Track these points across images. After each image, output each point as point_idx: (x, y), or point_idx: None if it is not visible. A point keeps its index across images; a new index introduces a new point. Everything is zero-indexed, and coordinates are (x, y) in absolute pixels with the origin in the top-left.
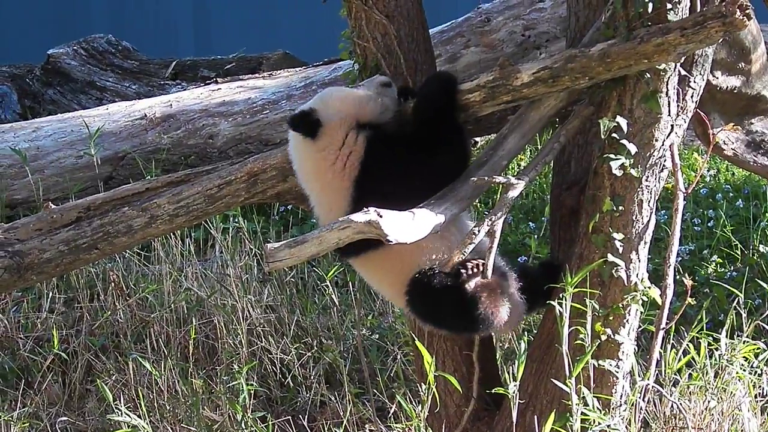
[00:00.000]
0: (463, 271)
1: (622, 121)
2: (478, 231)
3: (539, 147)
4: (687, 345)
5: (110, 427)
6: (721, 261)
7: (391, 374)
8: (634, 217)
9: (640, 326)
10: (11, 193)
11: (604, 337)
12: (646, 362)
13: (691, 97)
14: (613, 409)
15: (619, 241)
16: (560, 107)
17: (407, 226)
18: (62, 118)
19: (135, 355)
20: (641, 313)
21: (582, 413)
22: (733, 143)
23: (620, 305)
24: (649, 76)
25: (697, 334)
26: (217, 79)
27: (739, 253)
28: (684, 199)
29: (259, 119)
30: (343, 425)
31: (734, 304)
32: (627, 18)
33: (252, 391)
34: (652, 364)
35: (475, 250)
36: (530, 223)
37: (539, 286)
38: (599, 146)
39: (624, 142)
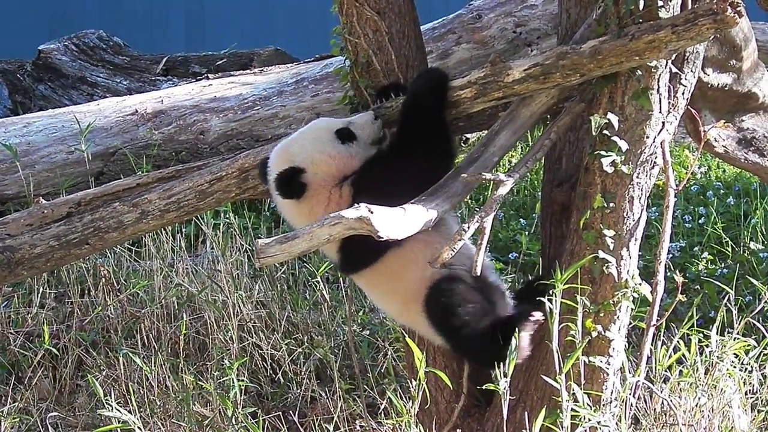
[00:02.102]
0: (530, 321)
1: (613, 118)
2: (468, 228)
3: (530, 144)
4: (677, 342)
5: (101, 423)
6: (711, 258)
7: (382, 370)
8: (624, 214)
9: (630, 323)
10: (2, 188)
11: (594, 334)
12: (637, 359)
13: (682, 94)
14: (603, 405)
15: (609, 237)
16: (551, 104)
17: (398, 221)
18: (53, 113)
19: (125, 350)
20: (632, 309)
21: (572, 410)
22: (724, 140)
23: (611, 302)
24: (640, 73)
25: (687, 331)
26: (209, 75)
27: (729, 250)
28: (675, 196)
29: (251, 115)
30: (334, 421)
31: (725, 301)
32: (618, 15)
33: (242, 387)
34: (642, 360)
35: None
36: (521, 219)
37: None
38: (590, 143)
39: (615, 139)
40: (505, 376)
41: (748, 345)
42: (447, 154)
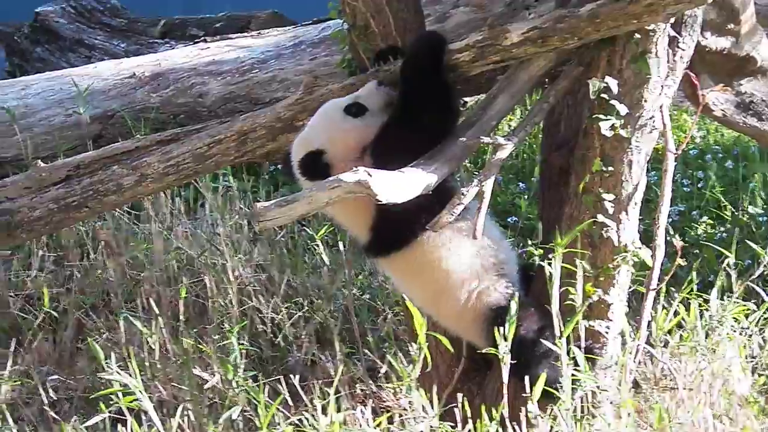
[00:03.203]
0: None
1: (612, 82)
2: (468, 191)
3: (528, 107)
4: (677, 306)
5: (101, 386)
6: (710, 222)
7: (382, 334)
8: (624, 178)
9: (630, 287)
10: (0, 151)
11: (594, 298)
12: (637, 323)
13: (681, 58)
14: (603, 369)
15: (609, 201)
16: (549, 68)
17: (397, 185)
18: (51, 76)
19: (125, 314)
20: (631, 274)
21: (572, 374)
22: (722, 104)
23: (610, 266)
24: (638, 36)
25: (687, 295)
26: (206, 38)
27: (728, 214)
28: (674, 160)
29: (248, 78)
30: (334, 385)
31: (724, 264)
32: None
33: (243, 351)
34: (642, 325)
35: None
36: (520, 183)
37: None
38: (589, 107)
39: (614, 102)
40: (505, 339)
41: (748, 309)
42: (449, 112)
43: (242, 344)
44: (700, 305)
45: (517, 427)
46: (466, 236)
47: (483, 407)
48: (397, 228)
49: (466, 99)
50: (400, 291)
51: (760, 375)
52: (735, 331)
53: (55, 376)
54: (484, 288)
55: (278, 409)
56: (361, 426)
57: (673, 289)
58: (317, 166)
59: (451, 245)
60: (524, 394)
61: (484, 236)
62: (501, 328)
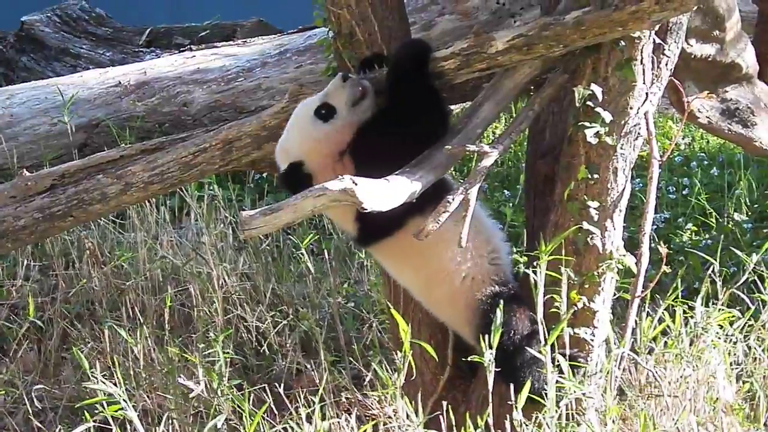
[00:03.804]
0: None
1: (597, 89)
2: (453, 199)
3: (514, 115)
4: (662, 313)
5: (86, 395)
6: (696, 229)
7: (367, 342)
8: (609, 185)
9: (615, 294)
10: None
11: (579, 305)
12: (622, 330)
13: (666, 65)
14: (588, 377)
15: (594, 208)
16: (535, 75)
17: (382, 193)
18: (36, 85)
19: (110, 323)
20: (616, 281)
21: (557, 381)
22: (707, 111)
23: (595, 273)
24: (623, 43)
25: (672, 302)
26: (192, 46)
27: (713, 221)
28: (659, 167)
29: (234, 87)
30: (319, 393)
31: (709, 272)
32: None
33: (228, 359)
34: (627, 332)
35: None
36: (505, 191)
37: None
38: (574, 114)
39: (599, 110)
40: (490, 347)
41: (733, 316)
42: (437, 117)
43: (227, 353)
44: (684, 312)
45: None
46: (456, 223)
47: (468, 415)
48: (380, 218)
49: (452, 106)
50: (394, 277)
51: (744, 382)
52: (720, 339)
53: (40, 386)
54: (474, 275)
55: (263, 417)
56: None
57: (658, 296)
58: (299, 177)
59: (440, 233)
60: (509, 402)
61: (475, 224)
62: (489, 327)
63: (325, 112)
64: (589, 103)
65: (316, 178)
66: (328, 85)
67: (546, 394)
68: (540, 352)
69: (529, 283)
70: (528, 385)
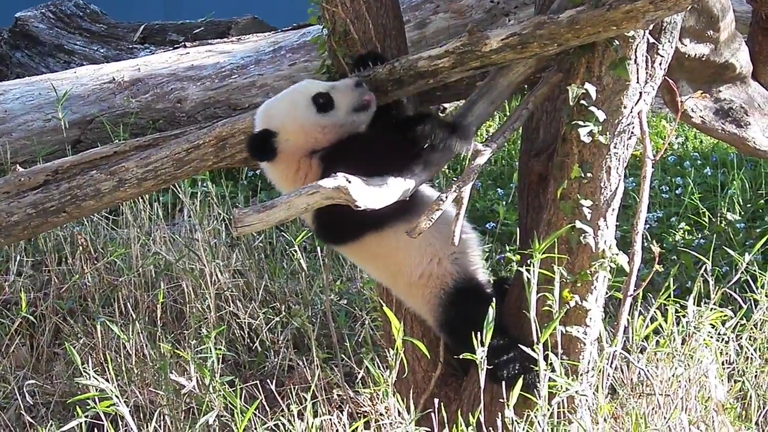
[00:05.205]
0: None
1: (591, 88)
2: (446, 198)
3: (508, 113)
4: (654, 312)
5: (78, 391)
6: (688, 228)
7: (360, 339)
8: (602, 184)
9: (607, 293)
10: None
11: (572, 304)
12: (614, 329)
13: (660, 64)
14: (580, 375)
15: (587, 207)
16: (529, 74)
17: (376, 191)
18: (30, 81)
19: (103, 318)
20: (609, 280)
21: (549, 379)
22: (701, 111)
23: (588, 272)
24: (617, 43)
25: (664, 301)
26: (186, 43)
27: (706, 220)
28: (652, 167)
29: (228, 84)
30: (311, 390)
31: (701, 271)
32: None
33: (220, 356)
34: (619, 330)
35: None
36: (498, 189)
37: None
38: (568, 113)
39: (592, 109)
40: (482, 345)
41: (725, 315)
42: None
43: (219, 349)
44: (677, 311)
45: None
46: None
47: (460, 412)
48: (337, 226)
49: (446, 104)
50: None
51: (736, 381)
52: (712, 338)
53: (32, 381)
54: (431, 273)
55: (255, 414)
56: (337, 431)
57: (650, 295)
58: (265, 147)
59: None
60: (501, 400)
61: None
62: (451, 322)
63: (323, 102)
64: (582, 102)
65: (279, 158)
66: (339, 80)
67: (538, 393)
68: (533, 349)
69: (522, 282)
70: (519, 384)
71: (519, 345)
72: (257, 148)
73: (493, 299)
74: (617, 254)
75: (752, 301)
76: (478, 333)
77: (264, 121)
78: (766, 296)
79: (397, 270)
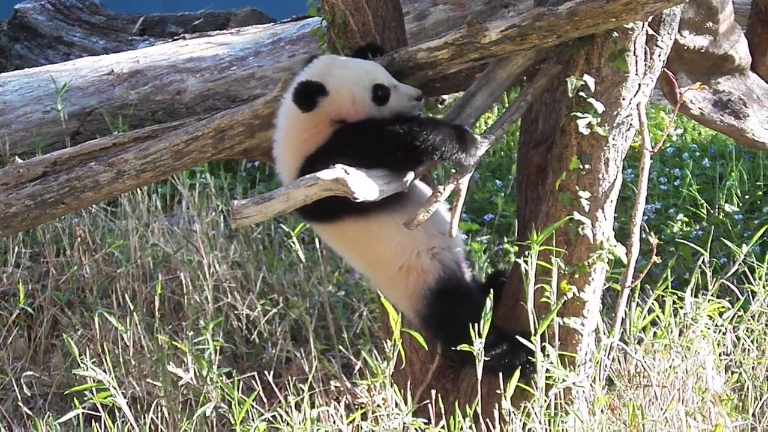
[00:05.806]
0: None
1: (590, 80)
2: (444, 189)
3: (506, 105)
4: (652, 303)
5: (75, 382)
6: (686, 220)
7: (357, 331)
8: (600, 176)
9: (605, 284)
10: None
11: (569, 295)
12: (611, 320)
13: (659, 56)
14: (577, 366)
15: (585, 199)
16: (528, 65)
17: (374, 183)
18: (29, 72)
19: (101, 310)
20: (607, 271)
21: (546, 370)
22: (699, 102)
23: (586, 263)
24: (616, 35)
25: (662, 293)
26: (185, 35)
27: (704, 212)
28: (650, 158)
29: (227, 75)
30: (309, 381)
31: (699, 262)
32: None
33: (218, 347)
34: (617, 322)
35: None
36: (497, 181)
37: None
38: (566, 105)
39: (591, 100)
40: (480, 336)
41: (722, 307)
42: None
43: (217, 341)
44: (674, 303)
45: (490, 424)
46: (394, 216)
47: (457, 404)
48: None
49: (444, 96)
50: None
51: (733, 373)
52: (709, 329)
53: (30, 372)
54: (411, 267)
55: (252, 405)
56: (334, 422)
57: (648, 286)
58: (310, 99)
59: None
60: (498, 391)
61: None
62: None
63: (380, 95)
64: (581, 93)
65: (313, 113)
66: (406, 86)
67: (535, 384)
68: (530, 341)
69: (519, 273)
70: (516, 375)
71: (513, 337)
72: (304, 95)
73: (483, 293)
74: (615, 246)
75: (750, 293)
76: (465, 327)
77: (322, 77)
78: (763, 288)
79: (376, 260)
